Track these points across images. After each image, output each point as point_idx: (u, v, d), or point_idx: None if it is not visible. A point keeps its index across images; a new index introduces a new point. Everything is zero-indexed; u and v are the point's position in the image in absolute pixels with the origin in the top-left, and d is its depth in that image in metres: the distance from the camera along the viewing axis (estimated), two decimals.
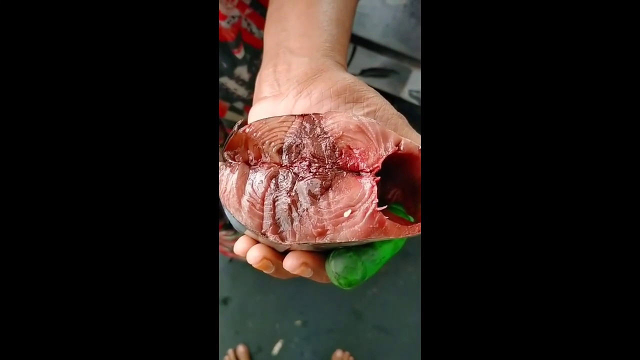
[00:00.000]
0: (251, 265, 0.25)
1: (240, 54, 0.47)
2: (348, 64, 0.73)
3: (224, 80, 0.49)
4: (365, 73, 0.72)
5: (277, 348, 1.20)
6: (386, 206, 0.22)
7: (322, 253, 0.25)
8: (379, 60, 0.71)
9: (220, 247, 0.90)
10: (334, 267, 0.24)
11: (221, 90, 0.50)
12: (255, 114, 0.28)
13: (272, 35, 0.31)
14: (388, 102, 0.27)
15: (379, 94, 0.27)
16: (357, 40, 0.69)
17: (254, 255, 0.25)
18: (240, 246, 0.26)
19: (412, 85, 0.73)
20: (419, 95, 0.73)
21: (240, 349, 1.18)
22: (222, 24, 0.43)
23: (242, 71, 0.49)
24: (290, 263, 0.24)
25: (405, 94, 0.74)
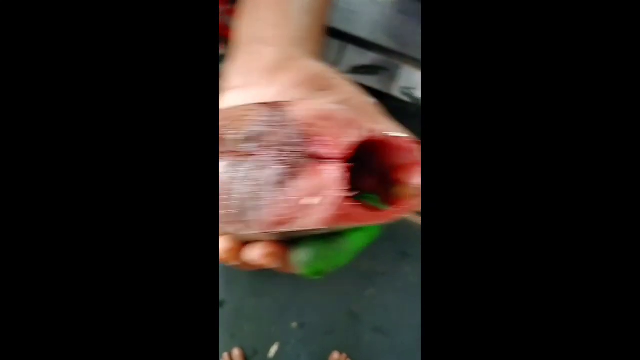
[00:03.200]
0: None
1: (221, 51, 0.46)
2: (337, 62, 0.72)
3: None
4: (355, 71, 0.71)
5: (273, 351, 1.19)
6: (354, 193, 0.22)
7: (288, 242, 0.24)
8: (368, 58, 0.70)
9: None
10: (300, 256, 0.23)
11: None
12: (223, 104, 0.28)
13: (244, 26, 0.31)
14: (361, 90, 0.26)
15: (349, 81, 0.27)
16: (346, 38, 0.68)
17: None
18: None
19: (403, 82, 0.72)
20: (410, 92, 0.72)
21: (236, 352, 1.17)
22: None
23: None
24: (255, 253, 0.24)
25: (396, 91, 0.73)
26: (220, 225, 0.23)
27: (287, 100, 0.25)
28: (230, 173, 0.23)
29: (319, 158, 0.23)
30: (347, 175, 0.22)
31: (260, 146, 0.24)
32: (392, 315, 1.24)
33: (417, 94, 0.72)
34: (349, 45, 0.67)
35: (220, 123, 0.25)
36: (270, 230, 0.22)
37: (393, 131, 0.23)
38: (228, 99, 0.28)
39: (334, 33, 0.65)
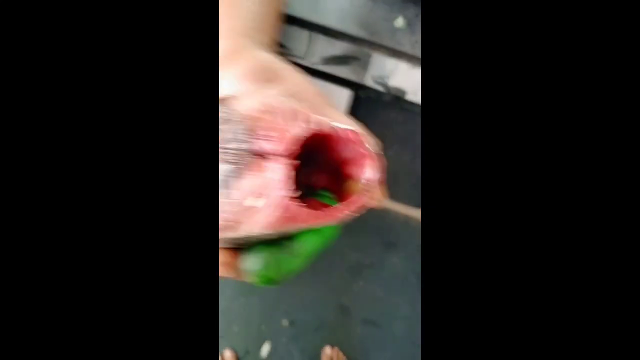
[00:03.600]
0: None
1: None
2: (306, 53, 0.70)
3: None
4: (326, 61, 0.70)
5: (265, 350, 1.18)
6: (302, 192, 0.21)
7: (238, 249, 0.23)
8: (337, 47, 0.69)
9: None
10: (249, 264, 0.22)
11: None
12: None
13: None
14: (309, 80, 0.25)
15: (299, 71, 0.26)
16: (313, 27, 0.67)
17: None
18: None
19: (375, 71, 0.71)
20: (383, 80, 0.71)
21: (227, 353, 1.16)
22: None
23: None
24: None
25: (369, 80, 0.73)
26: None
27: (231, 94, 0.23)
28: None
29: (263, 155, 0.22)
30: (294, 172, 0.21)
31: None
32: (382, 307, 1.24)
33: (391, 82, 0.71)
34: (318, 36, 0.65)
35: None
36: (221, 239, 0.21)
37: (342, 123, 0.22)
38: None
39: (301, 23, 0.63)
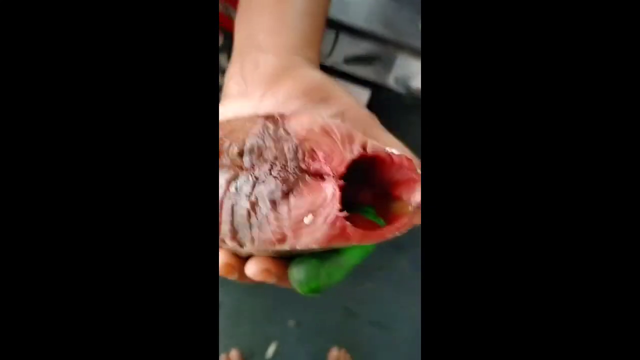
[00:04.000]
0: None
1: (219, 41, 0.44)
2: (330, 52, 0.70)
3: None
4: (349, 61, 0.70)
5: (271, 351, 1.18)
6: (347, 214, 0.21)
7: (285, 258, 0.24)
8: (362, 47, 0.69)
9: None
10: (296, 274, 0.23)
11: None
12: (221, 114, 0.27)
13: (241, 30, 0.29)
14: (359, 102, 0.26)
15: (349, 93, 0.26)
16: (339, 27, 0.67)
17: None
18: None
19: (398, 72, 0.71)
20: (406, 82, 0.71)
21: (234, 353, 1.15)
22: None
23: (222, 59, 0.46)
24: (251, 269, 0.23)
25: (391, 81, 0.72)
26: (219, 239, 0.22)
27: (284, 112, 0.24)
28: (223, 188, 0.23)
29: (315, 174, 0.22)
30: (343, 192, 0.22)
31: (257, 160, 0.23)
32: (389, 309, 1.24)
33: (413, 84, 0.72)
34: (342, 35, 0.65)
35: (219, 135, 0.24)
36: (264, 249, 0.22)
37: (392, 146, 0.23)
38: (225, 109, 0.27)
39: (328, 22, 0.63)
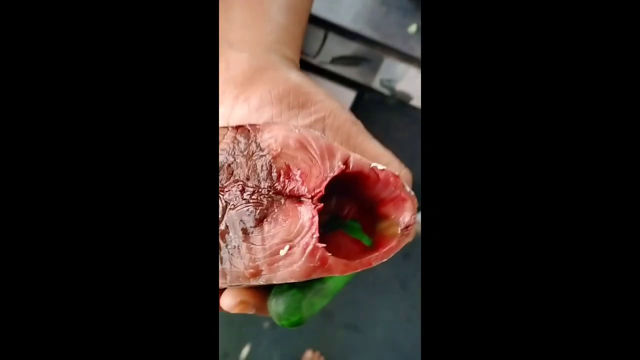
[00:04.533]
0: None
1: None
2: (318, 52, 0.70)
3: None
4: (335, 61, 0.70)
5: (244, 352, 1.16)
6: (325, 243, 0.19)
7: (263, 287, 0.22)
8: (350, 48, 0.69)
9: None
10: (275, 307, 0.21)
11: None
12: None
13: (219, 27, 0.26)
14: (341, 105, 0.23)
15: (330, 96, 0.24)
16: (328, 26, 0.67)
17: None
18: None
19: (384, 74, 0.72)
20: (390, 84, 0.72)
21: None
22: None
23: None
24: (227, 303, 0.21)
25: (376, 83, 0.73)
26: None
27: (258, 122, 0.21)
28: None
29: (293, 196, 0.20)
30: (325, 205, 0.20)
31: (227, 181, 0.20)
32: (364, 312, 1.24)
33: (398, 86, 0.72)
34: (331, 35, 0.65)
35: None
36: (238, 284, 0.20)
37: (377, 156, 0.21)
38: None
39: (315, 20, 0.63)
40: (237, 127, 0.21)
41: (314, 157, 0.20)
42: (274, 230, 0.19)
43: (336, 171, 0.20)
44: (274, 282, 0.19)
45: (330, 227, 0.23)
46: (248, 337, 1.17)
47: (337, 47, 0.70)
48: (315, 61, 0.70)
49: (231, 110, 0.22)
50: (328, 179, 0.20)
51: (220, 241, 0.20)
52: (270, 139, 0.20)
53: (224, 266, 0.20)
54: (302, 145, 0.20)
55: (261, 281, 0.19)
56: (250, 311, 0.22)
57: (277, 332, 1.19)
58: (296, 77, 0.23)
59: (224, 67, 0.23)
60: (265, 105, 0.22)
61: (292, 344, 1.18)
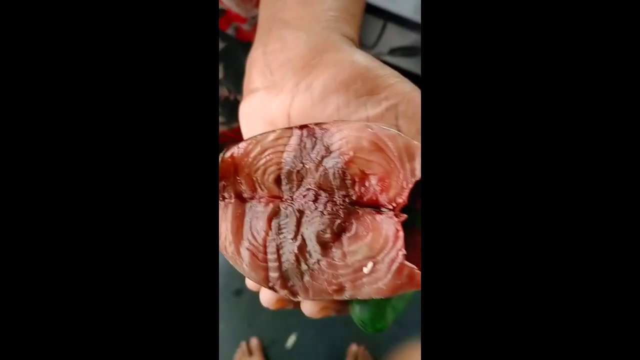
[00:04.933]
0: None
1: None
2: (376, 42, 0.68)
3: None
4: (394, 52, 0.68)
5: (291, 341, 1.18)
6: (412, 265, 0.18)
7: None
8: (410, 38, 0.66)
9: None
10: (360, 314, 0.20)
11: None
12: (244, 112, 0.22)
13: (266, 6, 0.24)
14: (415, 88, 0.20)
15: (401, 77, 0.20)
16: (386, 16, 0.65)
17: (267, 298, 0.21)
18: (262, 296, 0.22)
19: None
20: None
21: (254, 341, 1.16)
22: (244, 26, 0.38)
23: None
24: (309, 309, 0.20)
25: None
26: (268, 283, 0.20)
27: (321, 116, 0.19)
28: (263, 227, 0.19)
29: (371, 205, 0.18)
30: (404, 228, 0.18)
31: (297, 188, 0.19)
32: (411, 309, 1.22)
33: None
34: (389, 24, 0.63)
35: (245, 159, 0.19)
36: (321, 298, 0.19)
37: None
38: (248, 106, 0.22)
39: (373, 10, 0.61)
40: (302, 127, 0.19)
41: (392, 160, 0.18)
42: (355, 246, 0.18)
43: (418, 175, 0.18)
44: (359, 298, 0.18)
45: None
46: (294, 326, 1.19)
47: (396, 37, 0.68)
48: (373, 52, 0.69)
49: (291, 100, 0.20)
50: (410, 186, 0.18)
51: (300, 255, 0.19)
52: (340, 140, 0.18)
53: (305, 282, 0.19)
54: (378, 147, 0.18)
55: (345, 297, 0.18)
56: (332, 314, 0.21)
57: (323, 323, 1.20)
58: (362, 59, 0.20)
59: (278, 47, 0.21)
60: (329, 94, 0.20)
61: (337, 335, 1.19)
